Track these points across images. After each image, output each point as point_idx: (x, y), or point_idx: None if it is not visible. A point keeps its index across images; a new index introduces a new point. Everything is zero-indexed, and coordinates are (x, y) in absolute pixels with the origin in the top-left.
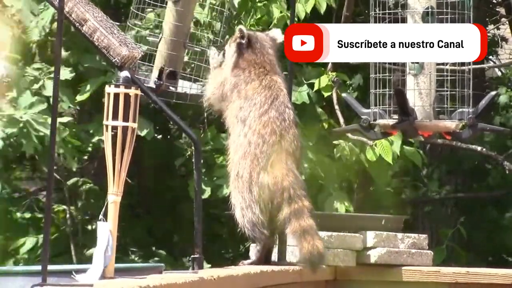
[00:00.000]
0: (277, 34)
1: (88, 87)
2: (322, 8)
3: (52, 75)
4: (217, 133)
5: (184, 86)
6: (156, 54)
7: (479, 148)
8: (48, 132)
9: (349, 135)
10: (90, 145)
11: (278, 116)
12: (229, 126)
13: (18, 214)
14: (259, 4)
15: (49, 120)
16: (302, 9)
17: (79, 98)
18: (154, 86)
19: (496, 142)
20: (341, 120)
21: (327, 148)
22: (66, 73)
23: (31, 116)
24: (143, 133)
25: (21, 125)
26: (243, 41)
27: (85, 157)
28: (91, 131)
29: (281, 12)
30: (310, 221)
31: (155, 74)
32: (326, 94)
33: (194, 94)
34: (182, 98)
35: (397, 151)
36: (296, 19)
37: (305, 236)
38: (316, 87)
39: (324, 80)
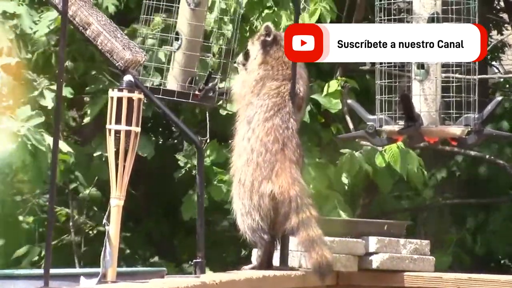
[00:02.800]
0: None
1: (90, 110)
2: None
3: (51, 87)
4: (219, 145)
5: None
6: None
7: (487, 156)
8: (43, 148)
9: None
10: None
11: (282, 124)
12: (238, 122)
13: (21, 218)
14: (266, 11)
15: (46, 137)
16: (307, 20)
17: (85, 120)
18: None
19: (490, 147)
20: (351, 126)
21: (332, 156)
22: (66, 91)
23: (28, 130)
24: (145, 153)
25: (19, 139)
26: (269, 38)
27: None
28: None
29: (287, 20)
30: (318, 231)
31: (175, 79)
32: (334, 101)
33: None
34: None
35: (406, 162)
36: None
37: (314, 246)
38: (324, 93)
39: (333, 86)
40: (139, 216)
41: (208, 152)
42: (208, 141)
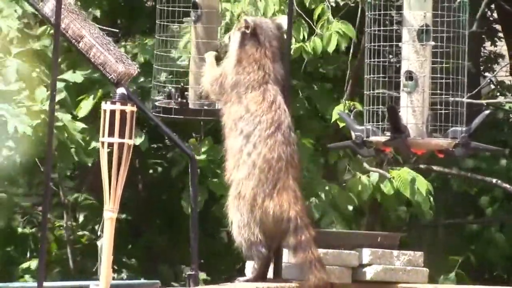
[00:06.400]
0: (283, 21)
1: (86, 103)
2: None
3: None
4: (214, 143)
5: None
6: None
7: (494, 181)
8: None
9: (367, 166)
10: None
11: (284, 140)
12: (226, 127)
13: (20, 230)
14: None
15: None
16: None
17: (80, 114)
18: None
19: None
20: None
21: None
22: (77, 77)
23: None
24: (137, 141)
25: (42, 116)
26: (247, 31)
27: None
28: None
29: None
30: (316, 252)
31: (191, 94)
32: (341, 125)
33: (209, 109)
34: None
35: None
36: None
37: (312, 269)
38: (333, 119)
39: (339, 109)
40: (139, 228)
41: (203, 149)
42: (202, 137)
